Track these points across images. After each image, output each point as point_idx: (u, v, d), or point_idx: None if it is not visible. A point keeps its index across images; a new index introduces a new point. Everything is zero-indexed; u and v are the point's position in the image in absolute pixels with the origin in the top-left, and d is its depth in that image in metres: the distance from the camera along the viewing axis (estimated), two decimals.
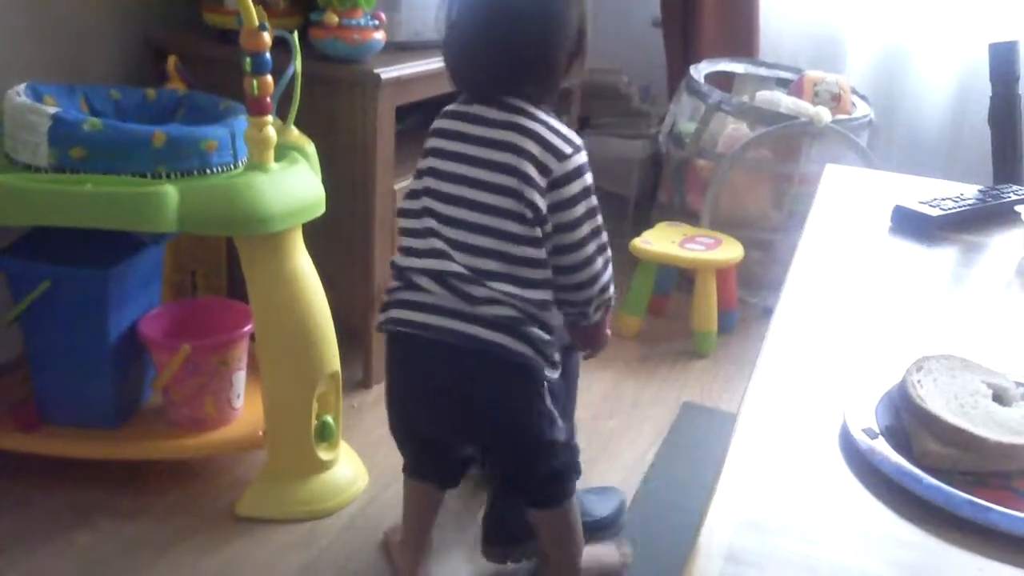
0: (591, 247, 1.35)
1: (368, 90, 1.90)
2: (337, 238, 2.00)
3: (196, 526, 1.66)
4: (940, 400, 0.81)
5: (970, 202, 1.37)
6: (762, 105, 2.60)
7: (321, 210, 1.66)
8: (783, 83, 2.82)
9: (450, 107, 1.41)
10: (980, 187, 1.45)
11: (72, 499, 1.69)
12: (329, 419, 1.72)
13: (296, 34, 1.66)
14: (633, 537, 1.70)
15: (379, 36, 1.93)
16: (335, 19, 1.88)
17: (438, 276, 1.31)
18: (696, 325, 2.42)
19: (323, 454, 1.72)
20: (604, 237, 1.37)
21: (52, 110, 1.52)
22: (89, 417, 1.70)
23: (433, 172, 1.35)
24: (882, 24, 2.86)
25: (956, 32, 2.75)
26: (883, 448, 0.77)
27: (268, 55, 1.54)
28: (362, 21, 1.90)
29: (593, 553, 1.58)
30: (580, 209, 1.33)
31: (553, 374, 1.35)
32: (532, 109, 1.33)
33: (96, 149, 1.50)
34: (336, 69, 1.92)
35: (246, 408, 1.81)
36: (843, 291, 1.13)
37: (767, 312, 1.05)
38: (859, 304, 1.09)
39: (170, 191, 1.49)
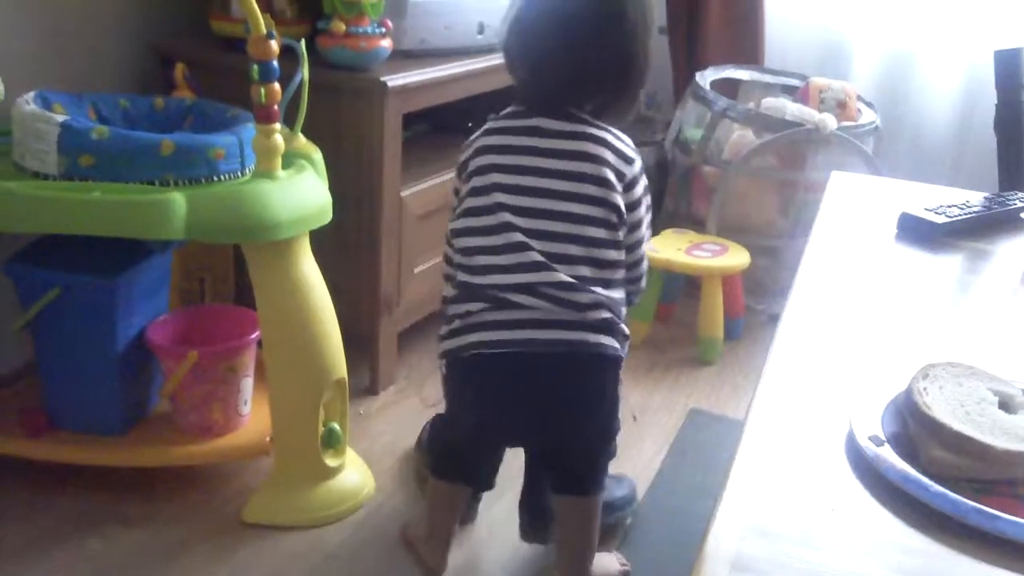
0: (645, 237, 1.47)
1: (375, 98, 1.91)
2: (344, 245, 2.00)
3: (203, 532, 1.66)
4: (946, 407, 0.81)
5: (976, 209, 1.37)
6: (768, 112, 2.61)
7: (328, 217, 1.66)
8: (789, 90, 2.83)
9: (503, 122, 1.42)
10: (986, 194, 1.45)
11: (81, 505, 1.69)
12: (336, 426, 1.72)
13: (303, 42, 1.67)
14: (640, 543, 1.70)
15: (386, 44, 1.94)
16: (342, 27, 1.89)
17: (535, 289, 1.32)
18: (702, 332, 2.43)
19: (330, 461, 1.72)
20: (650, 216, 1.49)
21: (61, 118, 1.52)
22: (97, 423, 1.71)
23: (504, 187, 1.36)
24: (888, 31, 2.86)
25: (962, 39, 2.75)
26: (889, 455, 0.77)
27: (275, 63, 1.55)
28: (369, 29, 1.91)
29: (599, 559, 1.58)
30: (643, 209, 1.44)
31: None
32: (589, 117, 1.40)
33: (104, 157, 1.51)
34: (343, 77, 1.92)
35: (253, 415, 1.81)
36: (849, 298, 1.13)
37: (773, 319, 1.05)
38: (865, 311, 1.10)
39: (178, 199, 1.49)
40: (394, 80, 1.92)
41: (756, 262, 2.51)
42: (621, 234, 1.38)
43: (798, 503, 0.73)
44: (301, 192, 1.61)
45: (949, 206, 1.36)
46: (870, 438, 0.79)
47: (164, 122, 1.76)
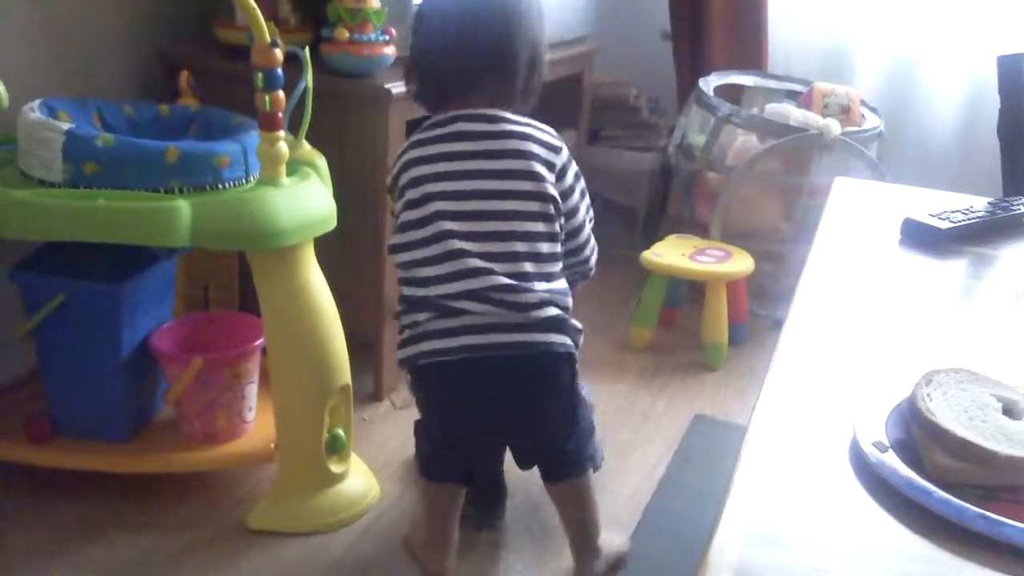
0: (587, 220, 1.49)
1: (379, 104, 1.91)
2: (348, 252, 2.01)
3: (208, 539, 1.66)
4: (950, 413, 0.81)
5: (980, 214, 1.37)
6: (772, 117, 2.61)
7: (332, 224, 1.67)
8: (793, 95, 2.83)
9: (424, 133, 1.45)
10: (990, 199, 1.45)
11: (85, 512, 1.70)
12: (340, 432, 1.72)
13: (307, 49, 1.67)
14: (644, 549, 1.69)
15: (389, 51, 1.95)
16: (346, 34, 1.89)
17: (478, 294, 1.34)
18: (707, 337, 2.42)
19: (334, 467, 1.73)
20: (587, 199, 1.51)
21: (66, 126, 1.53)
22: (101, 430, 1.71)
23: (438, 195, 1.38)
24: (891, 36, 2.86)
25: (966, 44, 2.75)
26: (893, 462, 0.77)
27: (280, 71, 1.55)
28: (372, 36, 1.91)
29: (606, 534, 1.62)
30: (578, 195, 1.46)
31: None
32: (508, 114, 1.42)
33: (109, 164, 1.51)
34: (347, 84, 1.93)
35: (258, 421, 1.82)
36: (853, 304, 1.13)
37: (778, 324, 1.05)
38: (869, 317, 1.09)
39: (183, 206, 1.50)
40: (398, 87, 1.91)
41: (760, 267, 2.51)
42: (558, 225, 1.41)
43: (802, 509, 0.73)
44: (305, 199, 1.61)
45: (953, 211, 1.35)
46: (874, 444, 0.79)
47: (169, 129, 1.77)
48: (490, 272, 1.34)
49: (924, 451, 0.78)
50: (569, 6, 2.54)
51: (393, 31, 1.95)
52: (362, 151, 1.96)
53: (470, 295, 1.34)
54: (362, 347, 2.01)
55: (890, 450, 0.79)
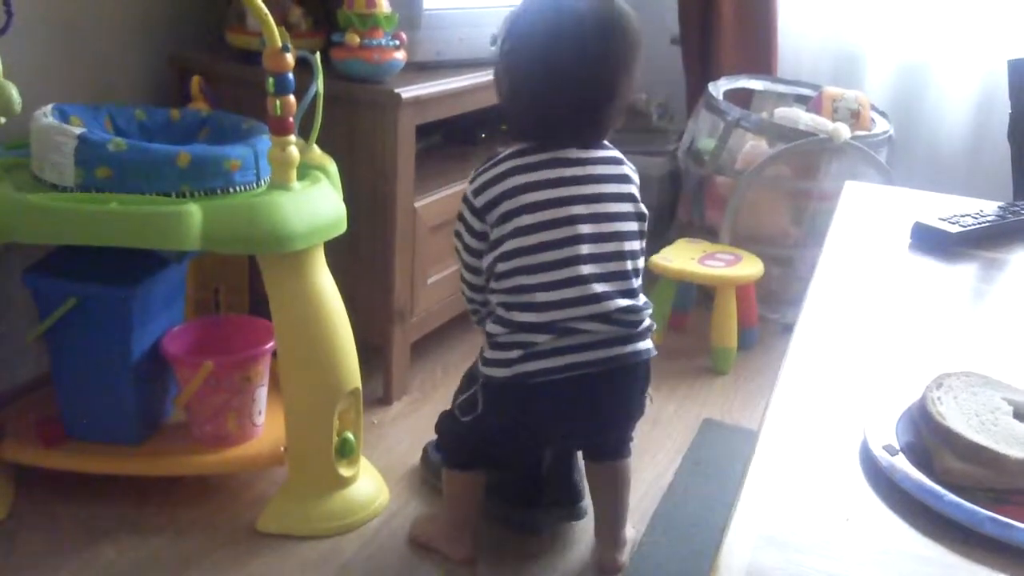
0: None
1: (389, 109, 1.92)
2: (358, 256, 2.01)
3: (218, 542, 1.67)
4: (960, 417, 0.81)
5: (990, 218, 1.37)
6: (781, 122, 2.61)
7: (343, 228, 1.67)
8: (802, 100, 2.83)
9: (522, 159, 1.44)
10: (1000, 203, 1.45)
11: (96, 514, 1.70)
12: (350, 436, 1.72)
13: (318, 55, 1.68)
14: (654, 554, 1.69)
15: (400, 56, 1.95)
16: (356, 39, 1.90)
17: (602, 318, 1.40)
18: (716, 342, 2.42)
19: (344, 470, 1.73)
20: None
21: (78, 131, 1.54)
22: (112, 433, 1.72)
23: (565, 220, 1.40)
24: (901, 40, 2.86)
25: (976, 48, 2.75)
26: (904, 465, 0.77)
27: (290, 75, 1.56)
28: (383, 41, 1.92)
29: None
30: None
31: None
32: (601, 142, 1.48)
33: (121, 169, 1.52)
34: (357, 89, 1.93)
35: (268, 425, 1.82)
36: (863, 308, 1.13)
37: (787, 329, 1.05)
38: (879, 321, 1.09)
39: (194, 210, 1.51)
40: (408, 92, 1.93)
41: (770, 272, 2.50)
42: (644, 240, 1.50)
43: (812, 513, 0.73)
44: (316, 203, 1.62)
45: (963, 215, 1.35)
46: (884, 447, 0.79)
47: (180, 134, 1.77)
48: (611, 298, 1.40)
49: (934, 454, 0.78)
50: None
51: (403, 36, 1.96)
52: (372, 155, 1.96)
53: (591, 319, 1.40)
54: (372, 351, 2.02)
55: (900, 453, 0.79)
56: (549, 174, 1.42)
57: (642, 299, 1.47)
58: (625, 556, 1.66)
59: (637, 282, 1.46)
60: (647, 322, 1.46)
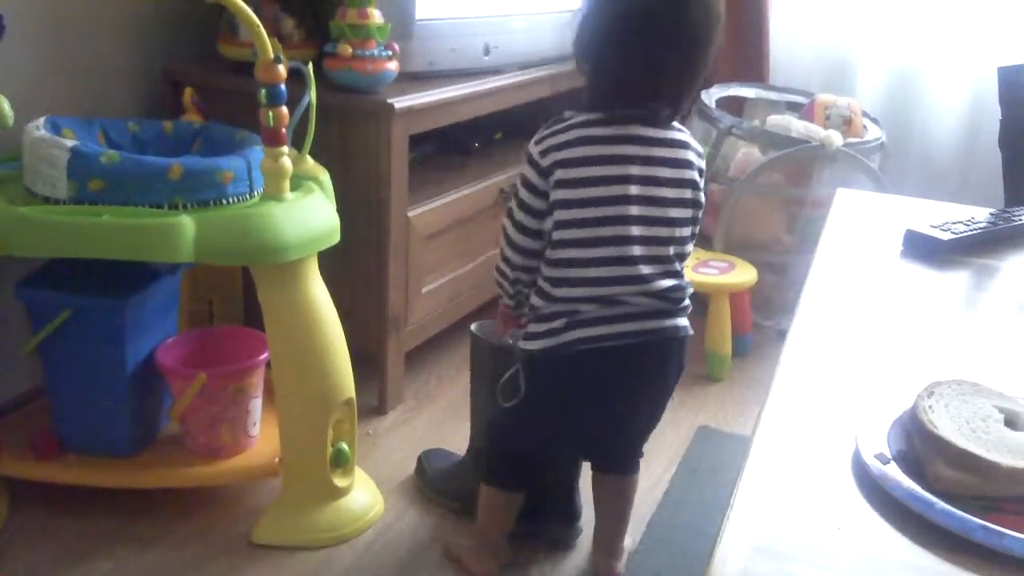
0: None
1: (382, 119, 1.92)
2: (352, 266, 2.01)
3: (213, 553, 1.66)
4: (952, 425, 0.81)
5: (982, 225, 1.37)
6: (773, 129, 2.61)
7: (336, 239, 1.67)
8: (794, 107, 2.83)
9: (598, 130, 1.40)
10: (992, 210, 1.45)
11: (91, 527, 1.70)
12: (344, 446, 1.72)
13: (311, 65, 1.68)
14: (648, 561, 1.69)
15: (392, 66, 1.96)
16: (349, 50, 1.90)
17: (641, 293, 1.39)
18: (710, 349, 2.43)
19: (338, 481, 1.73)
20: None
21: (71, 143, 1.54)
22: (107, 445, 1.72)
23: (618, 199, 1.38)
24: (893, 47, 2.87)
25: (967, 55, 2.76)
26: (895, 474, 0.77)
27: (283, 86, 1.56)
28: (375, 52, 1.92)
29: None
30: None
31: None
32: (672, 123, 1.44)
33: (114, 181, 1.52)
34: (350, 99, 1.94)
35: (262, 436, 1.82)
36: (855, 316, 1.13)
37: (782, 335, 1.05)
38: (871, 329, 1.10)
39: (187, 222, 1.51)
40: (401, 102, 1.93)
41: (763, 279, 2.51)
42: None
43: (804, 521, 0.73)
44: (309, 214, 1.62)
45: (955, 222, 1.36)
46: (876, 456, 0.79)
47: (173, 146, 1.77)
48: (654, 278, 1.40)
49: (926, 463, 0.79)
50: (573, 20, 2.55)
51: (396, 46, 1.96)
52: (365, 166, 1.97)
53: (638, 294, 1.39)
54: (366, 361, 2.02)
55: (892, 462, 0.79)
56: (612, 150, 1.39)
57: (684, 279, 1.45)
58: (622, 565, 1.66)
59: (680, 265, 1.45)
60: (687, 301, 1.45)
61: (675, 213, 1.41)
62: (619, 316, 1.39)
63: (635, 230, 1.38)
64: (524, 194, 1.43)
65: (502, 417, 1.53)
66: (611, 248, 1.38)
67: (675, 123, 1.45)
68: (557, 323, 1.40)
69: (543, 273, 1.43)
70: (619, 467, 1.64)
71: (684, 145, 1.44)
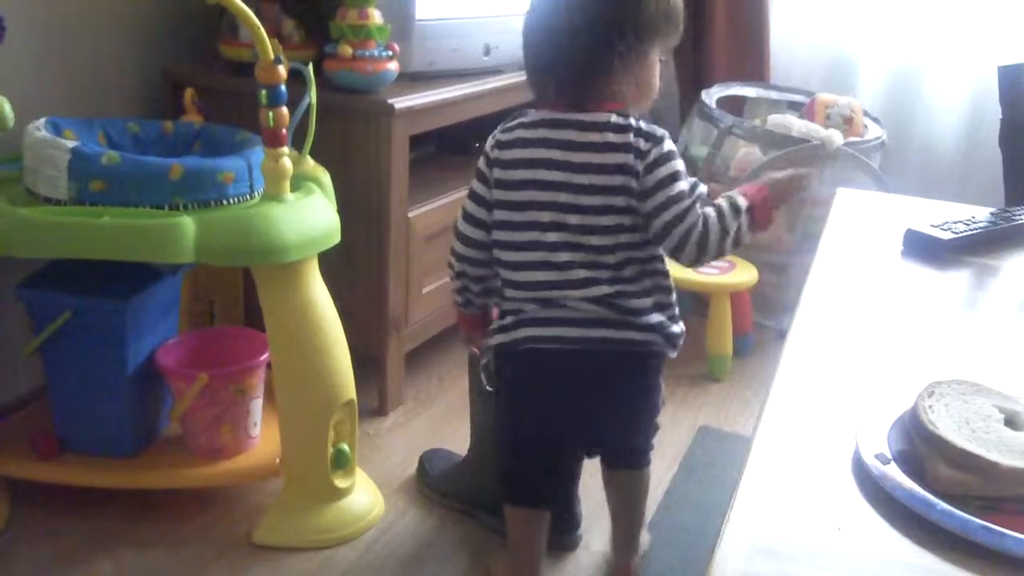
0: (682, 198, 1.38)
1: (382, 120, 1.92)
2: (352, 266, 2.01)
3: (213, 554, 1.66)
4: (952, 425, 0.81)
5: (982, 225, 1.37)
6: (774, 129, 2.61)
7: (336, 239, 1.67)
8: (795, 106, 2.83)
9: (530, 132, 1.38)
10: (992, 210, 1.45)
11: (92, 527, 1.70)
12: (345, 447, 1.72)
13: (311, 66, 1.68)
14: (649, 561, 1.69)
15: (392, 67, 1.96)
16: (349, 51, 1.90)
17: (593, 299, 1.34)
18: (711, 349, 2.43)
19: (339, 482, 1.73)
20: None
21: (71, 144, 1.54)
22: (107, 446, 1.72)
23: (544, 204, 1.35)
24: (893, 46, 2.86)
25: (968, 54, 2.75)
26: (895, 474, 0.77)
27: (283, 87, 1.56)
28: (375, 52, 1.93)
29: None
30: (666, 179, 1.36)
31: (673, 353, 1.43)
32: (607, 109, 1.36)
33: (115, 182, 1.52)
34: (350, 100, 1.94)
35: (263, 436, 1.82)
36: (855, 315, 1.13)
37: (783, 335, 1.05)
38: (871, 328, 1.10)
39: (187, 223, 1.51)
40: (401, 102, 1.93)
41: (764, 278, 2.51)
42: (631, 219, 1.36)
43: (804, 522, 0.73)
44: (309, 214, 1.62)
45: (955, 222, 1.36)
46: (876, 456, 0.79)
47: (173, 146, 1.78)
48: (596, 282, 1.34)
49: (926, 463, 0.79)
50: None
51: (396, 47, 1.97)
52: (366, 166, 1.97)
53: (580, 299, 1.35)
54: (366, 362, 2.02)
55: (892, 462, 0.79)
56: (535, 153, 1.36)
57: (648, 300, 1.37)
58: (639, 560, 1.65)
59: (633, 271, 1.36)
60: (649, 318, 1.37)
61: (597, 201, 1.33)
62: (563, 319, 1.36)
63: (554, 232, 1.34)
64: (474, 183, 1.43)
65: (498, 416, 1.53)
66: (534, 252, 1.35)
67: (614, 113, 1.35)
68: (508, 320, 1.40)
69: (497, 268, 1.43)
70: (625, 462, 1.61)
71: (601, 127, 1.34)
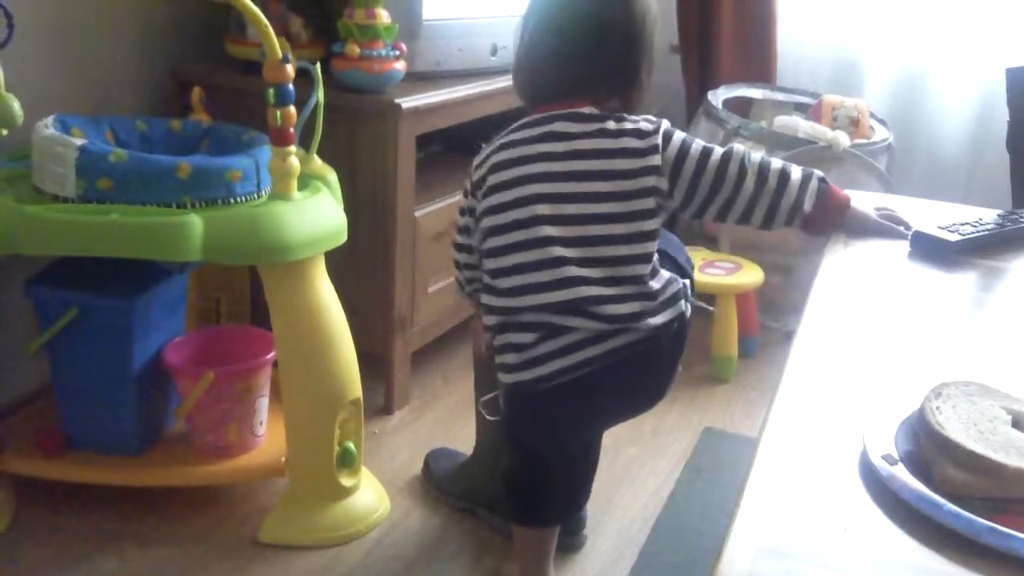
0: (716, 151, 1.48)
1: (389, 119, 1.93)
2: (359, 265, 2.02)
3: (219, 552, 1.67)
4: (959, 426, 0.81)
5: (989, 227, 1.37)
6: (780, 130, 2.61)
7: (343, 238, 1.68)
8: (801, 108, 2.83)
9: (518, 134, 1.39)
10: (999, 211, 1.45)
11: (97, 525, 1.70)
12: (351, 445, 1.73)
13: (318, 65, 1.68)
14: (654, 562, 1.69)
15: (400, 66, 1.96)
16: (356, 50, 1.91)
17: (579, 308, 1.29)
18: (717, 350, 2.42)
19: (345, 480, 1.73)
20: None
21: (79, 142, 1.54)
22: (114, 444, 1.72)
23: (541, 197, 1.33)
24: (900, 48, 2.86)
25: (975, 55, 2.75)
26: (903, 475, 0.77)
27: (291, 86, 1.57)
28: (383, 52, 1.93)
29: None
30: (686, 148, 1.44)
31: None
32: (605, 113, 1.38)
33: (122, 180, 1.52)
34: (358, 99, 1.94)
35: (269, 435, 1.82)
36: (862, 317, 1.13)
37: (789, 337, 1.05)
38: (878, 330, 1.10)
39: (195, 221, 1.51)
40: (408, 102, 1.93)
41: (770, 280, 2.50)
42: (661, 219, 1.37)
43: (811, 523, 0.73)
44: (316, 213, 1.63)
45: (962, 224, 1.35)
46: (883, 457, 0.79)
47: (181, 145, 1.78)
48: (592, 282, 1.30)
49: (934, 464, 0.79)
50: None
51: (403, 46, 1.97)
52: (372, 165, 1.97)
53: (570, 309, 1.29)
54: (372, 360, 2.02)
55: (899, 463, 0.79)
56: (527, 150, 1.35)
57: (656, 283, 1.33)
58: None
59: (640, 268, 1.32)
60: (665, 295, 1.33)
61: (609, 208, 1.32)
62: (567, 347, 1.30)
63: (548, 229, 1.31)
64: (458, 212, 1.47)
65: (505, 442, 1.50)
66: (530, 252, 1.31)
67: (627, 117, 1.38)
68: (510, 358, 1.33)
69: (485, 279, 1.38)
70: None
71: (616, 134, 1.35)
